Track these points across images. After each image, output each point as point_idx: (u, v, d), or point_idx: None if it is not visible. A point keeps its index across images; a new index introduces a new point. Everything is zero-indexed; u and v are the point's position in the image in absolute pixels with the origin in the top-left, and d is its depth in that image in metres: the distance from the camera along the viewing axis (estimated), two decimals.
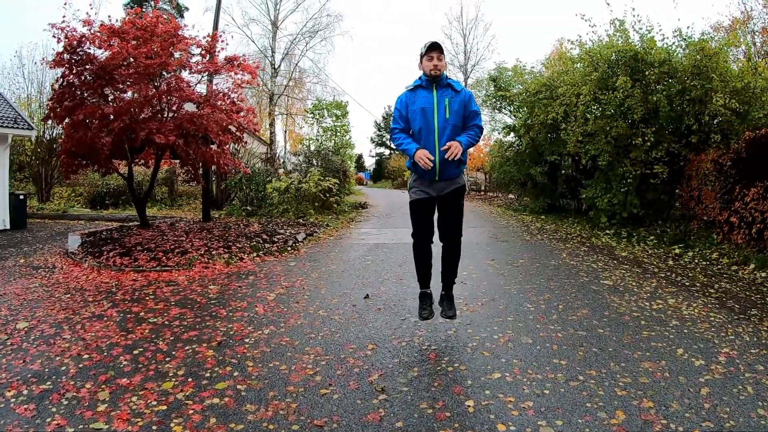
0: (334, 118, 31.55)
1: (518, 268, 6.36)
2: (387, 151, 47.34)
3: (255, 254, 7.14)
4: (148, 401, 2.72)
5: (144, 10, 9.42)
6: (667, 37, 9.28)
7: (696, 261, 6.88)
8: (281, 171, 15.98)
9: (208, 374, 3.06)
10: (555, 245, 8.26)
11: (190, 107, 8.30)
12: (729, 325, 4.01)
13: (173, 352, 3.42)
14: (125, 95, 7.90)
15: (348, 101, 33.29)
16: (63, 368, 3.17)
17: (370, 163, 52.16)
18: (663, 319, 4.16)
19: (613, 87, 8.96)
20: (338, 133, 31.36)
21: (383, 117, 45.17)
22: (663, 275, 5.99)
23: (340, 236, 9.60)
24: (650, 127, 8.86)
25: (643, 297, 4.90)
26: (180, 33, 7.84)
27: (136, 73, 7.15)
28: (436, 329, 3.89)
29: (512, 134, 15.56)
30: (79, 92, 7.43)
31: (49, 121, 10.44)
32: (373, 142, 49.86)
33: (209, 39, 8.48)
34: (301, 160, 17.38)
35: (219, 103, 8.32)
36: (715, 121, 8.52)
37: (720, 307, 4.60)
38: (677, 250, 7.52)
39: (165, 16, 8.56)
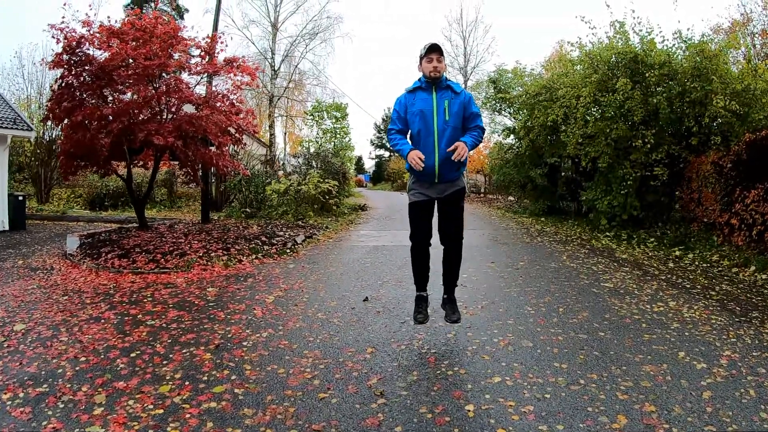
0: (333, 120, 31.52)
1: (518, 270, 6.34)
2: (387, 153, 47.33)
3: (254, 256, 7.11)
4: (145, 405, 2.69)
5: (144, 11, 9.40)
6: (667, 39, 9.28)
7: (696, 263, 6.86)
8: (281, 173, 15.97)
9: (205, 378, 3.03)
10: (555, 247, 8.24)
11: (189, 109, 8.28)
12: (730, 328, 3.99)
13: (170, 355, 3.39)
14: (124, 96, 7.89)
15: (348, 103, 33.29)
16: (60, 371, 3.14)
17: (369, 165, 52.19)
18: (664, 322, 4.14)
19: (613, 89, 8.96)
20: (338, 135, 31.34)
21: (383, 119, 45.18)
22: (663, 277, 5.97)
23: (340, 238, 9.58)
24: (650, 129, 8.85)
25: (643, 299, 4.87)
26: (179, 34, 7.82)
27: (135, 75, 7.13)
28: (435, 332, 3.86)
29: (512, 136, 15.56)
30: (78, 93, 7.41)
31: (49, 122, 10.44)
32: (373, 144, 49.88)
33: (208, 40, 8.47)
34: (300, 162, 17.36)
35: (218, 104, 8.31)
36: (715, 123, 8.52)
37: (721, 309, 4.58)
38: (677, 252, 7.50)
39: (165, 18, 8.55)
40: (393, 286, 5.41)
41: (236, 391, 2.86)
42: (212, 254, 6.95)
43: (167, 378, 3.03)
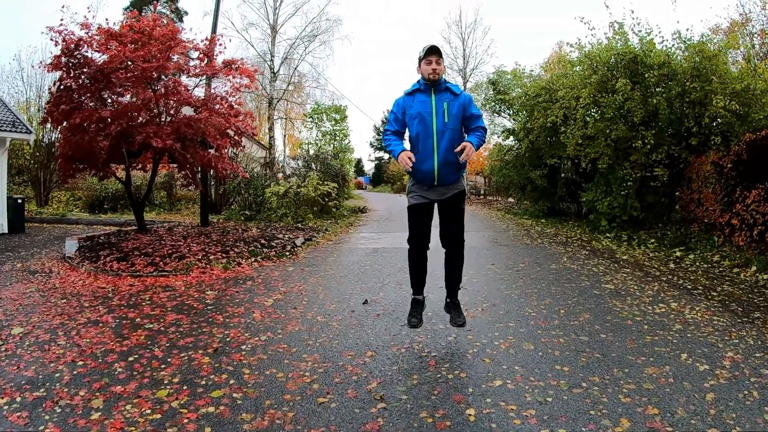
0: (333, 123, 31.56)
1: (519, 272, 6.31)
2: (386, 156, 47.31)
3: (253, 259, 7.09)
4: (142, 410, 2.66)
5: (143, 14, 9.40)
6: (666, 40, 9.28)
7: (697, 264, 6.84)
8: (280, 175, 15.97)
9: (203, 382, 3.01)
10: (555, 249, 8.22)
11: (188, 111, 8.27)
12: (732, 329, 3.96)
13: (169, 359, 3.37)
14: (123, 99, 7.87)
15: (347, 105, 33.40)
16: (57, 375, 3.12)
17: (369, 167, 52.25)
18: (666, 324, 4.11)
19: (613, 90, 8.95)
20: (337, 138, 31.37)
21: (382, 121, 45.23)
22: (665, 278, 5.94)
23: (339, 241, 9.56)
24: (650, 129, 8.84)
25: (645, 301, 4.85)
26: (178, 36, 7.81)
27: (134, 77, 7.12)
28: (435, 335, 3.83)
29: (511, 138, 15.55)
30: (76, 96, 7.39)
31: (48, 125, 10.42)
32: (372, 146, 49.92)
33: (207, 42, 8.45)
34: (300, 164, 17.35)
35: (217, 106, 8.29)
36: (715, 123, 8.51)
37: (723, 310, 4.55)
38: (678, 253, 7.48)
39: (163, 20, 8.54)
40: (393, 289, 5.39)
41: (234, 395, 2.83)
42: (211, 257, 6.92)
43: (165, 382, 3.00)
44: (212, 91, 8.88)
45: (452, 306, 3.62)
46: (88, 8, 8.08)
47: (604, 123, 9.12)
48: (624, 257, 7.40)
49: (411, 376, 3.06)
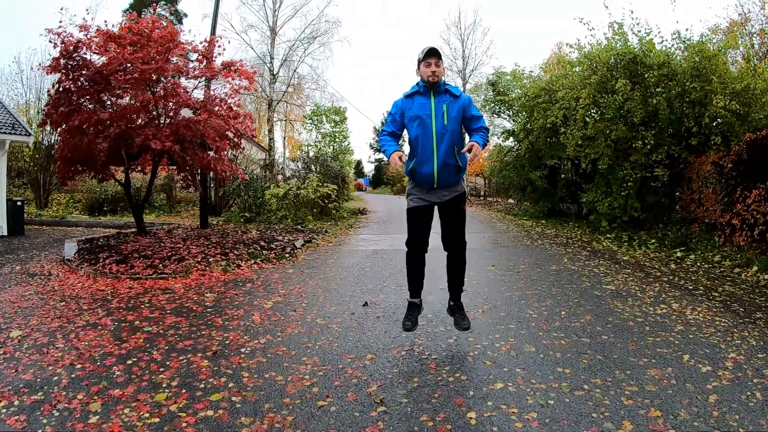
0: (332, 124, 31.59)
1: (519, 273, 6.29)
2: (386, 157, 47.24)
3: (252, 261, 7.07)
4: (141, 413, 2.64)
5: (143, 15, 9.39)
6: (666, 40, 9.28)
7: (698, 264, 6.82)
8: (280, 177, 15.94)
9: (202, 385, 2.99)
10: (556, 250, 8.20)
11: (187, 113, 8.25)
12: (735, 330, 3.95)
13: (167, 362, 3.35)
14: (122, 101, 7.86)
15: (346, 107, 33.39)
16: (55, 378, 3.10)
17: (369, 169, 52.15)
18: (668, 325, 4.09)
19: (613, 90, 8.94)
20: (337, 139, 31.40)
21: (381, 123, 45.11)
22: (666, 279, 5.92)
23: (339, 243, 9.54)
24: (650, 129, 8.83)
25: (646, 302, 4.83)
26: (177, 38, 7.80)
27: (133, 79, 7.10)
28: (436, 338, 3.81)
29: (511, 139, 15.54)
30: (75, 98, 7.38)
31: (47, 127, 10.42)
32: (372, 147, 49.85)
33: (206, 44, 8.44)
34: (299, 166, 17.34)
35: (216, 108, 8.27)
36: (715, 123, 8.50)
37: (725, 310, 4.53)
38: (679, 254, 7.46)
39: (163, 22, 8.53)
40: (393, 291, 5.36)
41: (233, 399, 2.81)
42: (211, 259, 6.90)
43: (164, 386, 2.98)
44: (211, 92, 8.87)
45: (456, 309, 3.59)
46: (87, 10, 8.03)
47: (604, 123, 9.11)
48: (625, 258, 7.38)
49: (411, 379, 3.04)
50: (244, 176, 10.13)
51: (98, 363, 3.34)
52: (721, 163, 7.65)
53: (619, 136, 9.01)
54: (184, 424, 2.53)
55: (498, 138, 17.07)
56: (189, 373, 3.17)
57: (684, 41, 9.06)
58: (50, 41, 7.27)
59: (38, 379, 3.08)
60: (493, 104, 16.19)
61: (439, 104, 3.29)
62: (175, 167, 9.92)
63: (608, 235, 9.34)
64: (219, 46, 8.66)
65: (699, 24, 19.89)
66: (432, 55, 3.28)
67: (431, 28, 62.18)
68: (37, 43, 37.58)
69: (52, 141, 15.80)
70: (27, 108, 19.34)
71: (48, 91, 8.31)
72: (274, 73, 22.49)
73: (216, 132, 7.84)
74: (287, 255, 7.68)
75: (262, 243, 8.31)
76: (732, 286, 5.57)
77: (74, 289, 5.67)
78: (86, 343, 3.73)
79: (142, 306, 4.86)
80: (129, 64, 7.13)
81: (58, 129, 7.82)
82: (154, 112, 7.82)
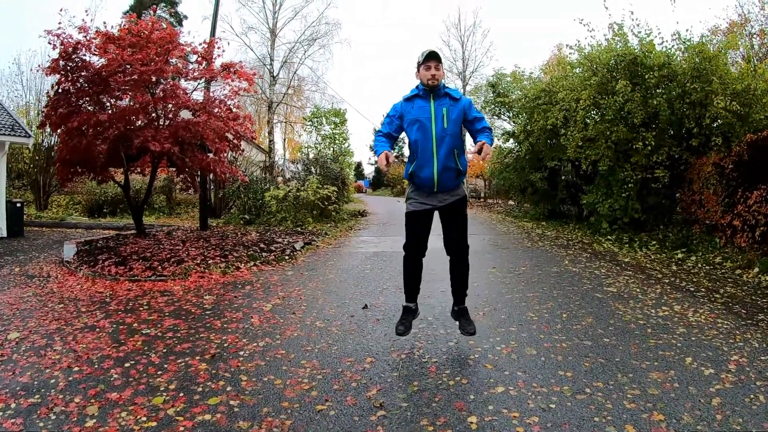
0: (332, 126, 31.50)
1: (520, 275, 6.27)
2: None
3: (252, 263, 7.04)
4: (138, 417, 2.61)
5: (142, 17, 9.37)
6: (666, 41, 9.27)
7: (699, 265, 6.80)
8: (279, 179, 15.91)
9: (200, 389, 2.96)
10: (557, 252, 8.17)
11: (186, 115, 8.23)
12: (737, 332, 3.92)
13: (165, 365, 3.32)
14: (121, 102, 7.84)
15: (346, 109, 33.29)
16: (52, 381, 3.07)
17: (369, 170, 52.10)
18: (670, 327, 4.06)
19: (613, 91, 8.92)
20: (337, 141, 31.31)
21: (381, 124, 45.14)
22: (667, 281, 5.89)
23: (339, 245, 9.51)
24: (651, 131, 8.81)
25: (648, 304, 4.80)
26: (176, 39, 7.78)
27: (132, 80, 7.08)
28: (436, 341, 3.78)
29: (511, 140, 15.53)
30: (74, 99, 7.36)
31: (47, 129, 10.41)
32: (372, 149, 49.81)
33: (205, 46, 8.43)
34: (299, 168, 17.32)
35: (215, 110, 8.25)
36: (716, 123, 8.49)
37: (727, 312, 4.51)
38: (680, 255, 7.44)
39: (162, 24, 8.52)
40: (393, 293, 5.33)
41: (231, 402, 2.78)
42: (210, 261, 6.87)
43: (161, 389, 2.95)
44: (211, 94, 8.85)
45: (460, 313, 3.56)
46: (86, 11, 8.03)
47: (605, 125, 9.09)
48: (626, 260, 7.36)
49: (411, 383, 3.01)
50: (243, 178, 10.11)
51: (96, 366, 3.32)
52: (721, 164, 7.63)
53: (620, 138, 9.00)
54: (182, 428, 2.50)
55: (498, 139, 17.04)
56: (187, 377, 3.14)
57: (684, 42, 9.06)
58: (49, 42, 7.25)
59: (35, 382, 3.05)
60: (493, 106, 16.19)
61: (439, 107, 3.27)
62: (174, 169, 9.90)
63: (609, 237, 9.31)
64: (218, 48, 8.64)
65: (699, 25, 19.88)
66: (432, 58, 3.27)
67: (431, 29, 62.28)
68: (37, 44, 37.67)
69: (52, 143, 15.78)
70: (27, 110, 19.34)
71: (47, 92, 8.29)
72: (274, 75, 22.50)
73: (215, 134, 7.82)
74: (287, 257, 7.65)
75: (262, 245, 8.28)
76: (733, 287, 5.55)
77: (73, 291, 5.64)
78: (84, 346, 3.71)
79: (141, 308, 4.83)
80: (128, 66, 7.11)
81: (57, 130, 7.78)
82: (153, 114, 7.80)
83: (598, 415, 2.58)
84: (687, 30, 14.99)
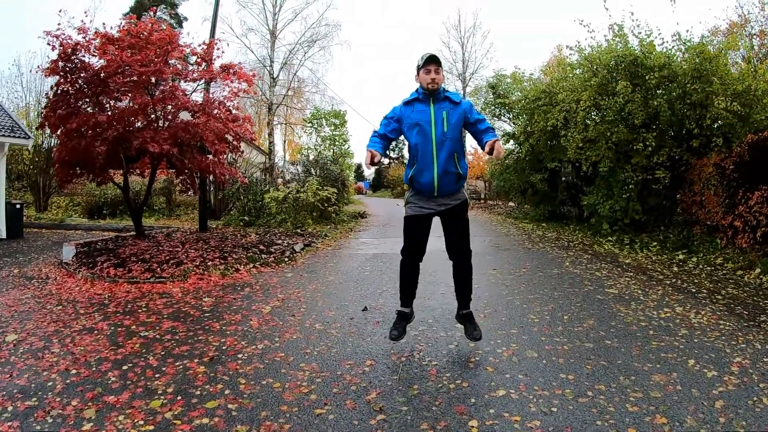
0: (332, 128, 31.50)
1: (521, 277, 6.24)
2: (386, 161, 47.22)
3: (251, 265, 7.01)
4: (135, 420, 2.59)
5: (142, 18, 9.35)
6: (666, 42, 9.25)
7: (701, 267, 6.77)
8: (279, 180, 15.90)
9: (198, 392, 2.93)
10: (557, 253, 8.14)
11: (186, 116, 8.21)
12: (739, 333, 3.90)
13: (163, 368, 3.29)
14: (121, 103, 7.82)
15: (346, 110, 33.31)
16: (50, 384, 3.05)
17: (369, 172, 52.08)
18: (672, 329, 4.04)
19: (613, 92, 8.91)
20: (337, 143, 31.31)
21: None
22: (669, 282, 5.87)
23: (339, 246, 9.48)
24: (651, 131, 8.79)
25: (649, 305, 4.77)
26: (176, 40, 7.77)
27: (131, 82, 7.07)
28: (436, 343, 3.75)
29: (512, 141, 15.49)
30: (73, 100, 7.34)
31: (46, 130, 10.40)
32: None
33: (205, 47, 8.41)
34: (299, 169, 17.30)
35: (215, 111, 8.23)
36: (716, 124, 8.48)
37: (729, 314, 4.49)
38: (681, 256, 7.41)
39: (162, 25, 8.50)
40: (392, 295, 5.29)
41: (230, 406, 2.75)
42: (209, 263, 6.84)
43: (159, 392, 2.93)
44: (210, 95, 8.83)
45: (466, 317, 3.53)
46: (85, 12, 8.01)
47: (605, 126, 9.08)
48: (627, 261, 7.33)
49: (411, 386, 2.98)
50: (243, 180, 10.09)
51: (93, 368, 3.29)
52: (722, 165, 7.61)
53: (620, 139, 8.98)
54: None
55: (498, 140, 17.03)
56: (185, 380, 3.11)
57: (684, 43, 9.04)
58: (48, 44, 7.24)
59: (32, 385, 3.03)
60: (493, 107, 16.18)
61: (439, 111, 3.25)
62: (174, 170, 9.88)
63: (609, 238, 9.29)
64: (218, 49, 8.63)
65: (699, 26, 19.93)
66: (432, 62, 3.25)
67: (431, 30, 62.28)
68: (37, 45, 37.59)
69: (52, 144, 15.79)
70: (27, 111, 19.35)
71: (46, 94, 8.27)
72: (274, 76, 22.50)
73: (215, 135, 7.80)
74: (286, 259, 7.63)
75: (261, 247, 8.26)
76: (735, 288, 5.52)
77: (71, 293, 5.62)
78: (82, 348, 3.68)
79: (139, 310, 4.80)
80: (127, 67, 7.09)
81: (57, 132, 7.77)
82: (153, 115, 7.78)
83: (600, 418, 2.55)
84: (687, 31, 15.01)
